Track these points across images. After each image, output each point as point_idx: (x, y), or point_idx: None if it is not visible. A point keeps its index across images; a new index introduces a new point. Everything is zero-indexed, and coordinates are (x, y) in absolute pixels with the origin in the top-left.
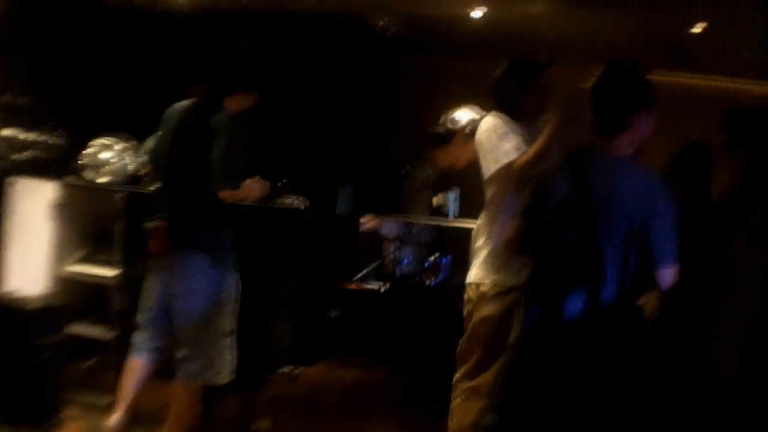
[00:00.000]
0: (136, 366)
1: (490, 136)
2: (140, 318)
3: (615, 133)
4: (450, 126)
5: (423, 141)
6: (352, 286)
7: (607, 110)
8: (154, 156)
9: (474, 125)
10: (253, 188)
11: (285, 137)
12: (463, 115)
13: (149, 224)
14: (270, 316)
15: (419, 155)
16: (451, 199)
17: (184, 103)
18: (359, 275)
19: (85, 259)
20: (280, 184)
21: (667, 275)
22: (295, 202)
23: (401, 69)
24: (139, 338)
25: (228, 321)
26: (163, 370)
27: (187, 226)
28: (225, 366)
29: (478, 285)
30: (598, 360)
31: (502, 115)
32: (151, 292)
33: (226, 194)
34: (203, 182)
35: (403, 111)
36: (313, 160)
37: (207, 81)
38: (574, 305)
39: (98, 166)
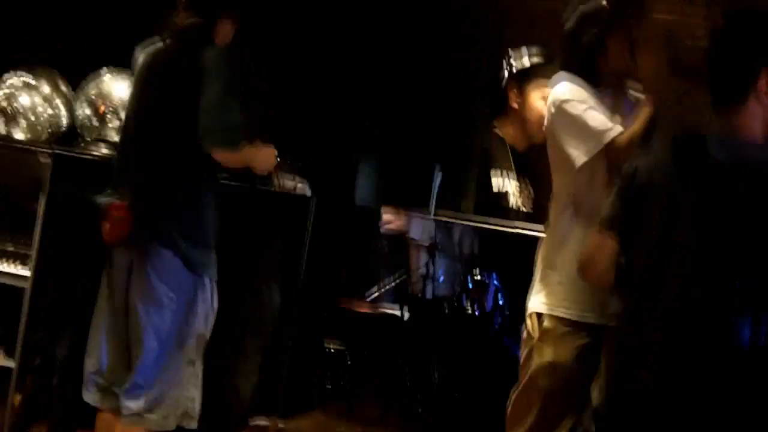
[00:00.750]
0: (112, 421)
1: (573, 108)
2: (92, 345)
3: (735, 103)
4: (513, 63)
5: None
6: (363, 309)
7: (724, 71)
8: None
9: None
10: (260, 154)
11: (286, 98)
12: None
13: (104, 200)
14: (241, 342)
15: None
16: (511, 187)
17: (156, 42)
18: (373, 293)
19: None
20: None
21: None
22: (298, 186)
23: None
24: (102, 379)
25: (194, 346)
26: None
27: (159, 208)
28: (181, 406)
29: (541, 317)
30: None
31: (577, 78)
32: (104, 300)
33: (222, 155)
34: (187, 143)
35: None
36: (323, 131)
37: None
38: (697, 357)
39: (15, 115)
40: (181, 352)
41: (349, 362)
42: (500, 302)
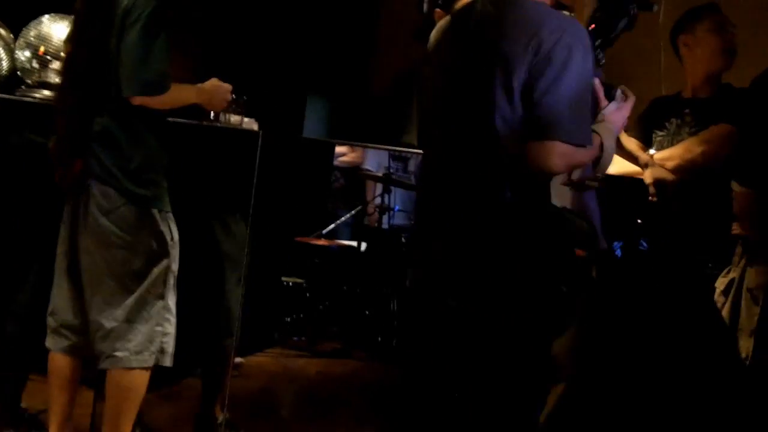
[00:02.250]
0: (60, 364)
1: None
2: (53, 289)
3: None
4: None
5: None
6: (320, 242)
7: None
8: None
9: None
10: (210, 92)
11: (227, 29)
12: None
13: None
14: (222, 277)
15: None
16: None
17: None
18: (330, 227)
19: None
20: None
21: (548, 153)
22: (244, 121)
23: None
24: (53, 320)
25: (157, 280)
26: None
27: (96, 148)
28: (155, 342)
29: None
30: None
31: None
32: (61, 243)
33: (142, 101)
34: (113, 83)
35: None
36: (269, 64)
37: None
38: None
39: None
40: (142, 287)
41: (308, 296)
42: None
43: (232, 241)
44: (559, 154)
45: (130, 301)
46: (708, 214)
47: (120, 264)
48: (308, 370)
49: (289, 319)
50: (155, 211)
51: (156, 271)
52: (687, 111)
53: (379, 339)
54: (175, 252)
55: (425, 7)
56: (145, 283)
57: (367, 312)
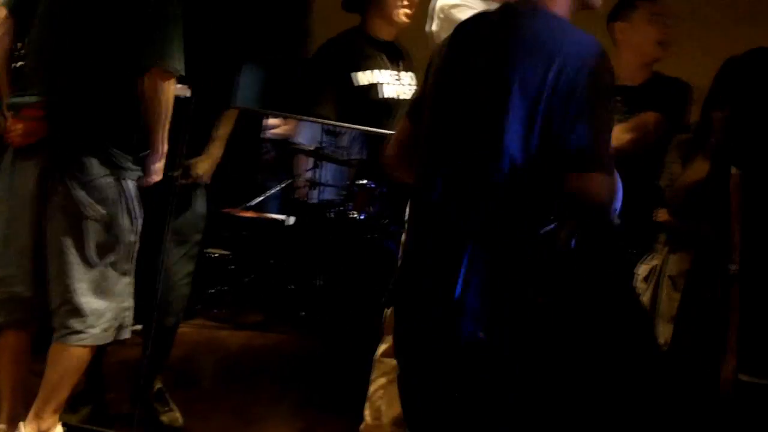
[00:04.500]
0: (11, 340)
1: (462, 13)
2: None
3: None
4: None
5: None
6: (247, 214)
7: None
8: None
9: None
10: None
11: None
12: None
13: (18, 100)
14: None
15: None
16: (390, 80)
17: None
18: (258, 199)
19: None
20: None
21: (598, 185)
22: (178, 87)
23: None
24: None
25: (124, 255)
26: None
27: (83, 110)
28: (119, 318)
29: None
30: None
31: None
32: (5, 212)
33: (163, 75)
34: (120, 50)
35: None
36: (203, 29)
37: None
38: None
39: None
40: (109, 262)
41: (232, 268)
42: (383, 209)
43: (185, 215)
44: (605, 185)
45: (96, 275)
46: (632, 201)
47: (90, 237)
48: (230, 341)
49: (213, 291)
50: (131, 184)
51: (124, 246)
52: (618, 98)
53: (303, 313)
54: (140, 226)
55: None
56: (113, 258)
57: (291, 286)
